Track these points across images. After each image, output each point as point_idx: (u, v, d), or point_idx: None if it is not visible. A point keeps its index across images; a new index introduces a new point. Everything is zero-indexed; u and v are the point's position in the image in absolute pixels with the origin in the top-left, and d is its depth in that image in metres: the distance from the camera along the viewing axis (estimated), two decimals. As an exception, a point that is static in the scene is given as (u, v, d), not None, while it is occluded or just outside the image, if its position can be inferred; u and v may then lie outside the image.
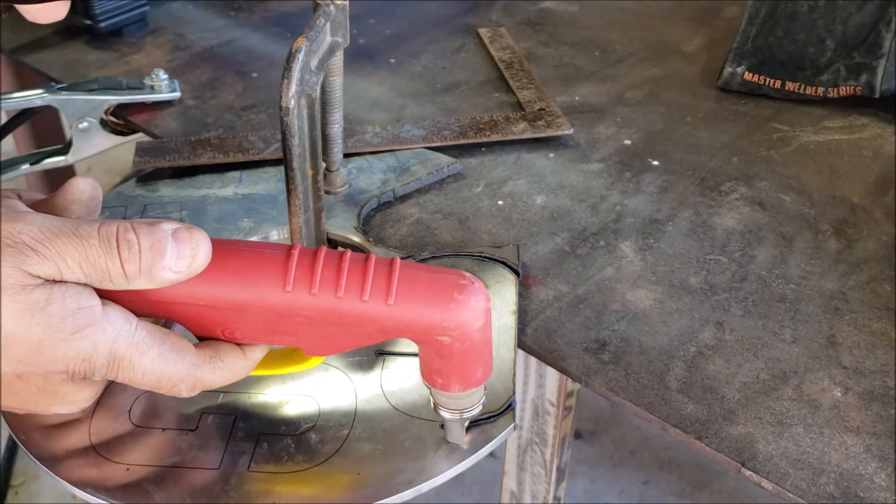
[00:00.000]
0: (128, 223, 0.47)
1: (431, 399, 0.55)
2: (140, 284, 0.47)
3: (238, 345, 0.52)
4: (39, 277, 0.45)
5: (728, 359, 0.65)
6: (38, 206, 0.51)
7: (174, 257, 0.47)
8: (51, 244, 0.45)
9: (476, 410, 0.55)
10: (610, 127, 0.93)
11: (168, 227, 0.47)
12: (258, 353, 0.53)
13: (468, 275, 0.50)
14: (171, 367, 0.48)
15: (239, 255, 0.49)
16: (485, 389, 0.55)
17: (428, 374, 0.53)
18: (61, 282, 0.45)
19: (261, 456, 0.56)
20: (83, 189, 0.52)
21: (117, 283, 0.47)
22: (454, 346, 0.50)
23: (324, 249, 0.49)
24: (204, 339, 0.51)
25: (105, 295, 0.47)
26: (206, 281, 0.48)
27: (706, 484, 1.65)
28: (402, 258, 0.58)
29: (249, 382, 0.61)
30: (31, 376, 0.46)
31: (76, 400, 0.49)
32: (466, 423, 0.56)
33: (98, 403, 0.59)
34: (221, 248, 0.49)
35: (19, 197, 0.51)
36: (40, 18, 0.55)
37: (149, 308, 0.49)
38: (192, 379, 0.49)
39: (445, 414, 0.55)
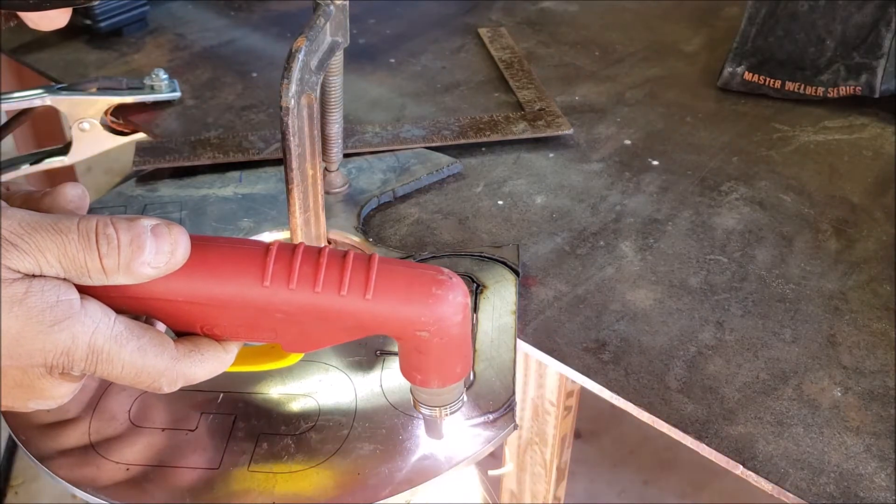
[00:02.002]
0: (107, 218, 0.47)
1: (412, 396, 0.55)
2: (119, 280, 0.47)
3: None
4: (18, 272, 0.45)
5: (728, 359, 0.65)
6: (23, 202, 0.51)
7: (153, 253, 0.47)
8: (30, 239, 0.45)
9: (456, 407, 0.55)
10: (610, 127, 0.93)
11: (147, 222, 0.48)
12: (238, 347, 0.53)
13: (446, 270, 0.51)
14: (150, 361, 0.48)
15: (218, 250, 0.49)
16: (465, 386, 0.55)
17: (407, 371, 0.53)
18: (40, 276, 0.46)
19: (261, 456, 0.56)
20: (70, 200, 0.52)
21: (96, 278, 0.47)
22: (433, 341, 0.50)
23: (302, 245, 0.50)
24: (184, 335, 0.52)
25: (85, 291, 0.47)
26: (185, 276, 0.48)
27: (706, 484, 1.65)
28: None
29: (249, 382, 0.61)
30: (9, 370, 0.46)
31: (54, 395, 0.49)
32: (445, 420, 0.56)
33: (98, 403, 0.59)
34: (200, 244, 0.49)
35: (7, 189, 0.51)
36: (42, 26, 0.56)
37: (128, 304, 0.49)
38: (172, 373, 0.49)
39: (425, 410, 0.55)
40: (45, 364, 0.46)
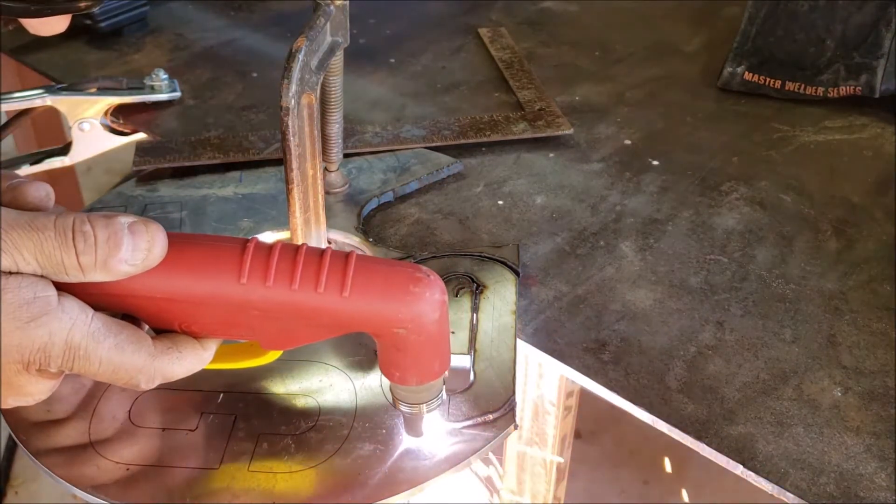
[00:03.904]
0: (84, 216, 0.47)
1: (391, 393, 0.56)
2: (96, 277, 0.47)
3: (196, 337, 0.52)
4: None
5: (728, 359, 0.65)
6: None
7: (130, 250, 0.47)
8: (6, 236, 0.45)
9: (435, 404, 0.55)
10: (610, 127, 0.93)
11: (124, 220, 0.48)
12: (216, 345, 0.53)
13: (424, 268, 0.51)
14: (127, 358, 0.48)
15: (195, 248, 0.49)
16: (444, 383, 0.55)
17: (386, 368, 0.53)
18: (17, 273, 0.46)
19: (261, 456, 0.56)
20: (30, 200, 0.51)
21: (73, 276, 0.47)
22: (410, 338, 0.50)
23: (280, 243, 0.50)
24: (162, 332, 0.52)
25: (63, 288, 0.47)
26: (163, 274, 0.48)
27: (706, 484, 1.65)
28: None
29: (249, 382, 0.61)
30: None
31: (32, 392, 0.49)
32: (424, 417, 0.56)
33: (98, 403, 0.59)
34: (178, 242, 0.49)
35: None
36: (43, 31, 0.56)
37: (106, 301, 0.49)
38: (149, 369, 0.50)
39: (404, 408, 0.55)
40: (21, 360, 0.46)
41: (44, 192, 0.51)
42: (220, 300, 0.49)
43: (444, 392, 0.56)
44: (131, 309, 0.50)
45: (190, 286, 0.49)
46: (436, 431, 0.58)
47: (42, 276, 0.46)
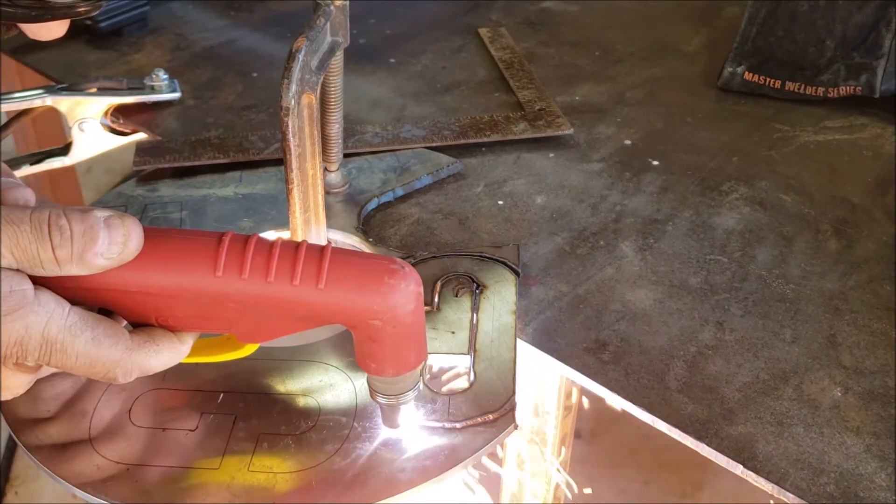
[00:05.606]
0: (60, 209, 0.47)
1: (368, 385, 0.56)
2: (72, 270, 0.47)
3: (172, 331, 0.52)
4: None
5: (728, 359, 0.65)
6: None
7: (106, 243, 0.47)
8: None
9: (411, 396, 0.55)
10: (610, 127, 0.93)
11: (100, 213, 0.48)
12: (193, 338, 0.53)
13: (399, 259, 0.51)
14: (104, 352, 0.49)
15: (171, 241, 0.50)
16: (420, 374, 0.56)
17: (362, 359, 0.53)
18: None
19: (261, 456, 0.56)
20: (11, 202, 0.51)
21: (49, 269, 0.47)
22: (385, 329, 0.50)
23: (255, 236, 0.50)
24: (139, 325, 0.52)
25: (39, 282, 0.47)
26: (139, 267, 0.49)
27: (706, 484, 1.65)
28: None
29: (249, 382, 0.61)
30: None
31: (9, 386, 0.49)
32: (401, 409, 0.56)
33: (98, 403, 0.59)
34: (154, 236, 0.50)
35: None
36: (42, 36, 0.57)
37: (83, 295, 0.49)
38: (126, 363, 0.50)
39: (381, 399, 0.55)
40: None
41: (23, 200, 0.51)
42: (196, 293, 0.49)
43: (420, 384, 0.56)
44: (108, 303, 0.50)
45: (166, 279, 0.49)
46: (436, 431, 0.58)
47: (18, 270, 0.46)
